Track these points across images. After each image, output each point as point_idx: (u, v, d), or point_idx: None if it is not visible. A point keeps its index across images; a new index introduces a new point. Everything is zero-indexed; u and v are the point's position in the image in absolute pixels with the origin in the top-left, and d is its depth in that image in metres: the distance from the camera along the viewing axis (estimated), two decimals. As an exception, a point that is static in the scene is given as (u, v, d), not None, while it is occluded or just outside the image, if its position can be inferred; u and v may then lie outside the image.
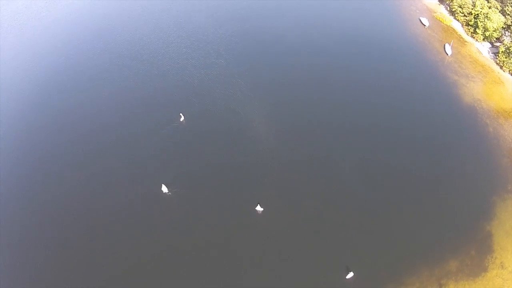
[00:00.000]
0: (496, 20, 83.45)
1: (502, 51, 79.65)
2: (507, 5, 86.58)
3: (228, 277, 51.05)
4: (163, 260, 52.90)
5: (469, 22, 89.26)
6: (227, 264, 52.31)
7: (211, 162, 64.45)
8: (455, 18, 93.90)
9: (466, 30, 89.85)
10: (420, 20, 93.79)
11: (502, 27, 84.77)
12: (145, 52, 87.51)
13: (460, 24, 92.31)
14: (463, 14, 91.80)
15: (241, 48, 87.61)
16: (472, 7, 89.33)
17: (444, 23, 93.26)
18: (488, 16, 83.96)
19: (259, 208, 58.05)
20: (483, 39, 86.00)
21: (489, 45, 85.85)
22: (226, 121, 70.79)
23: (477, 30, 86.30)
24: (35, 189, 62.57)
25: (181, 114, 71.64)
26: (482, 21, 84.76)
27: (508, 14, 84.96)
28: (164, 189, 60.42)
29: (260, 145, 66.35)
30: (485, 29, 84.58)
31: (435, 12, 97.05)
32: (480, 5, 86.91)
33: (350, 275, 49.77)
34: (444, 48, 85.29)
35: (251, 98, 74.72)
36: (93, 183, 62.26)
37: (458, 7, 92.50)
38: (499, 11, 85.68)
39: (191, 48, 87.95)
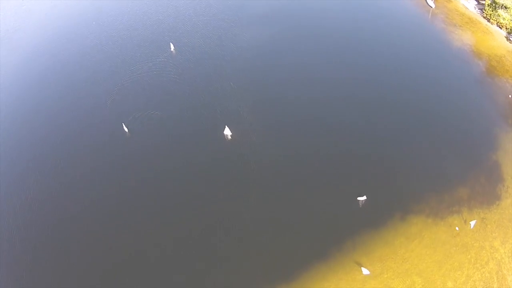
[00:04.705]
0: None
1: (488, 4, 77.44)
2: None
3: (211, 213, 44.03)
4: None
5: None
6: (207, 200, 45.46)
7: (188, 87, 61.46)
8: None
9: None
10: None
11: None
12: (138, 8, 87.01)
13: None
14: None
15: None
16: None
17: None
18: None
19: (227, 131, 51.59)
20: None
21: (475, 2, 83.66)
22: (214, 54, 68.90)
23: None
24: None
25: (171, 43, 71.68)
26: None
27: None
28: (125, 129, 55.09)
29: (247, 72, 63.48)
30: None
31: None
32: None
33: (363, 198, 43.11)
34: (426, 1, 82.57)
35: (242, 37, 72.37)
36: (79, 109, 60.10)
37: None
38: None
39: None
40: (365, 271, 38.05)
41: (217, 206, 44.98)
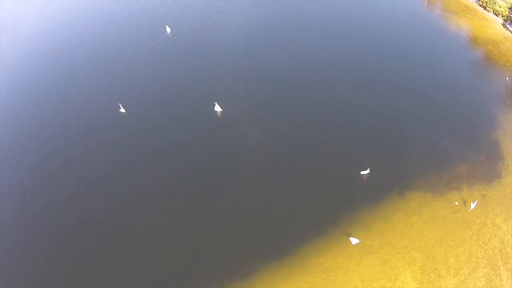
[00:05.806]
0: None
1: (484, -8, 77.53)
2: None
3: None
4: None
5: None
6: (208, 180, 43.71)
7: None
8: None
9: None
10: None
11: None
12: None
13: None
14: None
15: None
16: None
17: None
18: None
19: (217, 108, 50.85)
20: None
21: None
22: (208, 35, 68.20)
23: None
24: None
25: (167, 25, 71.56)
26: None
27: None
28: (122, 109, 53.40)
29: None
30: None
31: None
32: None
33: (366, 171, 41.73)
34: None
35: (238, 20, 71.83)
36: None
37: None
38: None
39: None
40: (354, 240, 36.16)
41: (215, 182, 43.12)
